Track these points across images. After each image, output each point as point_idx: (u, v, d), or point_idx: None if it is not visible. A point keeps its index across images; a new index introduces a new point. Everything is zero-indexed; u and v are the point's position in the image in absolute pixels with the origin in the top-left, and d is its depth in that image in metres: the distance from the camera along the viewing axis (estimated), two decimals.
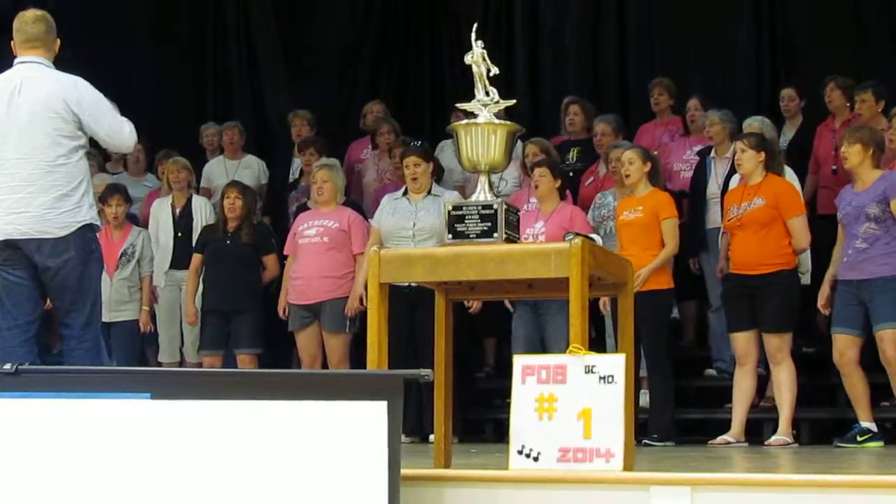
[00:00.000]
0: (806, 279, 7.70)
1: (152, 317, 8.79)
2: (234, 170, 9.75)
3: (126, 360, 8.30)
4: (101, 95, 5.48)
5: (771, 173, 7.27)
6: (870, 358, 7.00)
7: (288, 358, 8.67)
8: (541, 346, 7.49)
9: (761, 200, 7.17)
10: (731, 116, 8.40)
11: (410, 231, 7.76)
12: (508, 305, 7.84)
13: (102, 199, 8.57)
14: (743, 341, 7.25)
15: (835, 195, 8.07)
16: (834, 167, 8.42)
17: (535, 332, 7.64)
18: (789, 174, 7.78)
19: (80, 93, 5.40)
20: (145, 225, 9.07)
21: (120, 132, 5.53)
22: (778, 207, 7.18)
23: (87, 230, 5.46)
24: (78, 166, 5.43)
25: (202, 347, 8.45)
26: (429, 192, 7.85)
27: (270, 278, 8.56)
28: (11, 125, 5.35)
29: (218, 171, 9.88)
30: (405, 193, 7.94)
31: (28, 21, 5.53)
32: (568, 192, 7.99)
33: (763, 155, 7.24)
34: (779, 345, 7.13)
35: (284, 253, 8.32)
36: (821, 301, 7.20)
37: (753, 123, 8.10)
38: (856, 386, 6.96)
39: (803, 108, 9.12)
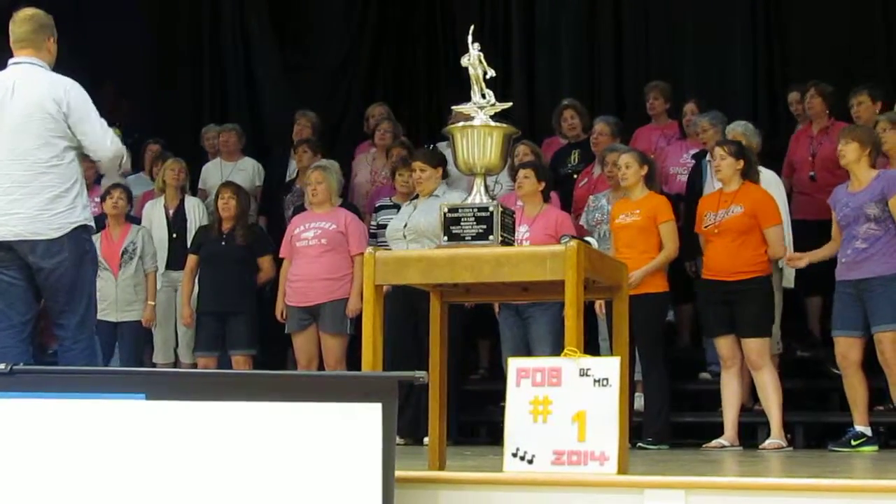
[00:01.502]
0: (789, 282, 7.72)
1: None
2: (228, 172, 9.76)
3: (130, 360, 8.32)
4: (89, 101, 5.46)
5: (748, 181, 7.30)
6: (865, 361, 7.00)
7: (282, 359, 8.67)
8: (526, 348, 7.48)
9: (739, 209, 7.20)
10: (722, 118, 8.41)
11: (401, 232, 7.76)
12: (496, 313, 7.82)
13: (104, 195, 8.65)
14: (725, 345, 7.27)
15: (812, 201, 8.13)
16: (811, 173, 8.45)
17: (520, 334, 7.63)
18: (774, 180, 7.81)
19: (69, 95, 5.39)
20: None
21: (102, 141, 5.47)
22: (756, 216, 7.21)
23: (82, 231, 5.45)
24: (71, 167, 5.42)
25: (198, 349, 8.46)
26: (431, 194, 7.84)
27: (266, 279, 8.56)
28: (4, 127, 5.34)
29: (213, 173, 9.90)
30: (415, 197, 7.95)
31: (17, 21, 5.52)
32: (554, 194, 7.98)
33: (741, 163, 7.27)
34: (758, 350, 7.15)
35: (281, 255, 8.32)
36: (792, 254, 7.25)
37: (737, 129, 8.06)
38: (855, 388, 6.96)
39: None
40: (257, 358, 8.42)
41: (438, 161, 7.96)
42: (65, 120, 5.36)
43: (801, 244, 7.51)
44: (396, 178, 8.50)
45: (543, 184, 7.65)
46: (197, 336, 8.48)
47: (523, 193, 7.62)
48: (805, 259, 7.20)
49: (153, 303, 8.61)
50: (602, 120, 9.05)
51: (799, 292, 7.95)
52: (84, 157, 5.55)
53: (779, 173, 8.24)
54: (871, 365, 6.97)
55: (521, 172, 7.68)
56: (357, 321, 7.66)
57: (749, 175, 7.32)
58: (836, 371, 7.28)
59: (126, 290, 8.48)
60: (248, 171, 9.91)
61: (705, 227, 7.36)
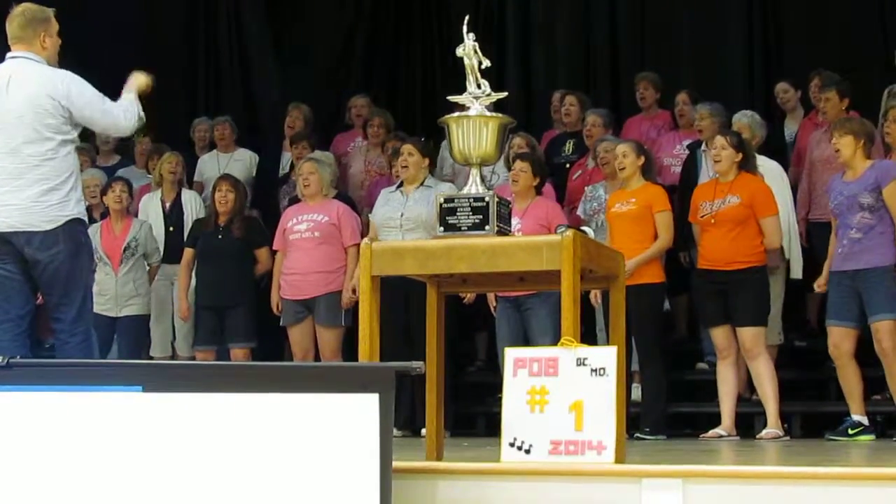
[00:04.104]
0: (797, 272, 7.72)
1: None
2: (225, 163, 9.75)
3: (131, 354, 8.31)
4: (88, 87, 5.47)
5: (744, 172, 7.30)
6: (862, 351, 7.00)
7: (279, 351, 8.67)
8: (524, 341, 7.45)
9: (736, 199, 7.20)
10: (722, 110, 8.41)
11: (398, 221, 7.74)
12: (492, 309, 7.80)
13: (105, 190, 8.64)
14: (722, 335, 7.27)
15: None
16: None
17: (518, 327, 7.59)
18: (778, 171, 7.82)
19: (68, 87, 5.40)
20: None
21: (115, 119, 5.56)
22: (752, 206, 7.22)
23: (76, 224, 5.45)
24: (66, 161, 5.43)
25: (196, 343, 8.45)
26: (421, 184, 7.83)
27: (263, 272, 8.55)
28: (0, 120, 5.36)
29: (210, 164, 9.89)
30: (399, 186, 7.94)
31: (10, 18, 5.58)
32: (548, 186, 7.96)
33: (740, 156, 7.28)
34: (753, 339, 7.14)
35: (274, 248, 8.30)
36: (818, 282, 7.18)
37: (742, 120, 8.09)
38: (849, 379, 6.96)
39: (801, 99, 9.10)
40: (254, 350, 8.42)
41: (428, 152, 7.96)
42: (63, 114, 5.37)
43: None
44: (396, 169, 8.49)
45: (538, 179, 7.61)
46: (196, 331, 8.46)
47: (519, 188, 7.55)
48: (825, 278, 7.10)
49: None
50: (593, 112, 9.05)
51: (804, 284, 7.92)
52: (80, 150, 5.57)
53: (787, 164, 8.26)
54: (867, 355, 6.97)
55: (518, 165, 7.59)
56: (354, 313, 7.68)
57: (746, 168, 7.32)
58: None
59: (126, 285, 8.48)
60: (244, 162, 9.90)
61: (701, 216, 7.35)
